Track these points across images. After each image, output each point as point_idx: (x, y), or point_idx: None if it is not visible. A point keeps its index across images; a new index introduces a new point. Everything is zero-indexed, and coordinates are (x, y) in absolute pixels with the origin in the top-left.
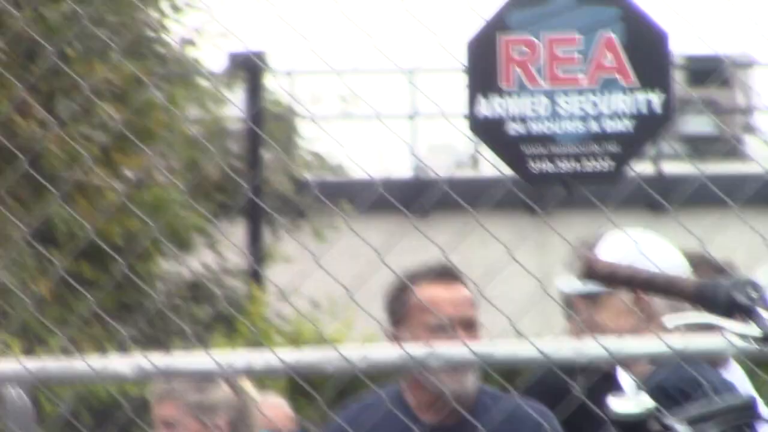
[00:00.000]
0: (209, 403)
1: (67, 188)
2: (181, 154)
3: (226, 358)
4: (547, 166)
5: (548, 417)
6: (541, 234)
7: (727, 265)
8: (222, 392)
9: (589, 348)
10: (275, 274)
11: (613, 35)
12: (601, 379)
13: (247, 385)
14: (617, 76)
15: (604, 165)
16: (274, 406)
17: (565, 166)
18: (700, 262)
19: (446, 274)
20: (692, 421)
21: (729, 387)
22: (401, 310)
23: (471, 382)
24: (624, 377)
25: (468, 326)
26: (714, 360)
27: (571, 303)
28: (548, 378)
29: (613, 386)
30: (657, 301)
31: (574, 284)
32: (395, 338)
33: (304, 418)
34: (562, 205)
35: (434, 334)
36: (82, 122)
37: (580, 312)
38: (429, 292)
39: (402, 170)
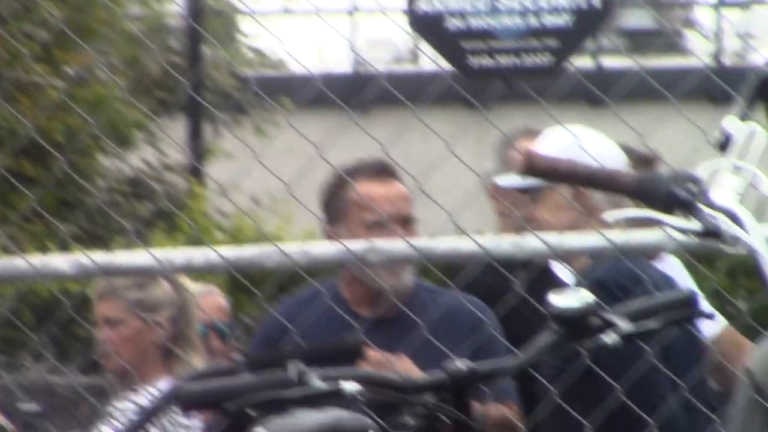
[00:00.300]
0: (150, 300)
1: (8, 86)
2: (121, 51)
3: (166, 254)
4: (486, 61)
5: (486, 312)
6: (481, 129)
7: (655, 157)
8: (162, 290)
9: (529, 243)
10: (216, 170)
11: None
12: (540, 275)
13: (186, 280)
14: None
15: (544, 60)
16: (206, 296)
17: (505, 61)
18: (628, 155)
19: (383, 170)
20: (633, 317)
21: (669, 281)
22: (338, 207)
23: (408, 277)
24: (563, 272)
25: (405, 222)
26: (648, 254)
27: (503, 198)
28: (487, 274)
29: (553, 282)
30: (597, 197)
31: (511, 179)
32: (332, 235)
33: (244, 314)
34: (501, 99)
35: (371, 230)
36: (23, 20)
37: (517, 207)
38: (366, 189)
39: (342, 66)
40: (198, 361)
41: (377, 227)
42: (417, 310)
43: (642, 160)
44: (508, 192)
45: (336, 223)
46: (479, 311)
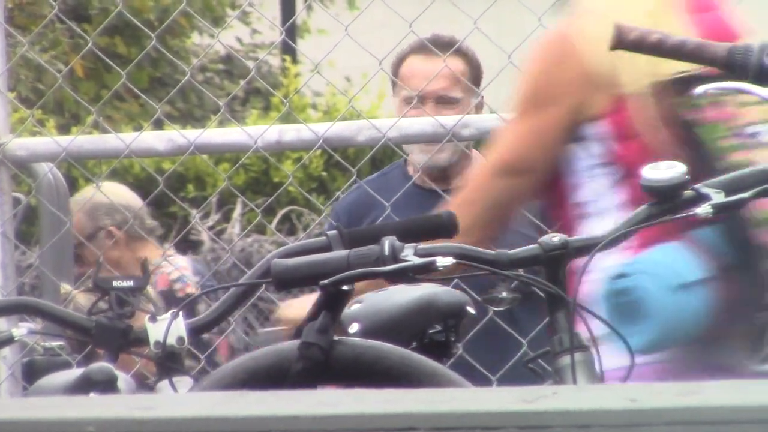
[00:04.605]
0: None
1: None
2: None
3: (258, 131)
4: None
5: None
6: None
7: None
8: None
9: None
10: (309, 47)
11: None
12: None
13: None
14: None
15: None
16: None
17: None
18: None
19: (435, 46)
20: (727, 188)
21: None
22: (394, 82)
23: (445, 155)
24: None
25: (440, 101)
26: None
27: None
28: None
29: None
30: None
31: None
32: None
33: (337, 189)
34: None
35: (406, 105)
36: None
37: None
38: (410, 63)
39: None
40: None
41: (410, 102)
42: None
43: None
44: None
45: (394, 96)
46: None
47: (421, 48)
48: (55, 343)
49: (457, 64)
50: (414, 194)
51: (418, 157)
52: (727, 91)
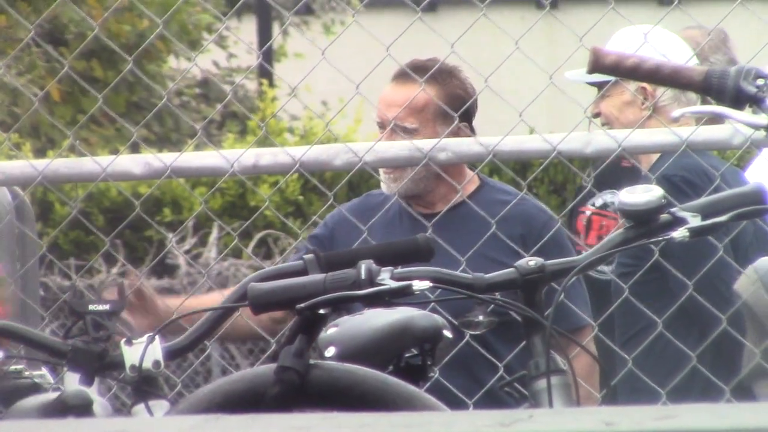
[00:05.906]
0: None
1: None
2: None
3: (235, 154)
4: None
5: (544, 214)
6: (551, 28)
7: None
8: None
9: (597, 140)
10: (286, 72)
11: None
12: (614, 170)
13: None
14: None
15: None
16: None
17: None
18: None
19: (402, 74)
20: (702, 212)
21: (738, 176)
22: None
23: (406, 183)
24: (634, 169)
25: (395, 129)
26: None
27: None
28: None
29: (626, 178)
30: (666, 95)
31: (580, 73)
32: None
33: (313, 213)
34: None
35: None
36: None
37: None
38: (384, 90)
39: None
40: None
41: (380, 128)
42: (479, 206)
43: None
44: None
45: None
46: (539, 211)
47: (396, 75)
48: (36, 372)
49: (422, 94)
50: (404, 217)
51: (382, 185)
52: (705, 115)
